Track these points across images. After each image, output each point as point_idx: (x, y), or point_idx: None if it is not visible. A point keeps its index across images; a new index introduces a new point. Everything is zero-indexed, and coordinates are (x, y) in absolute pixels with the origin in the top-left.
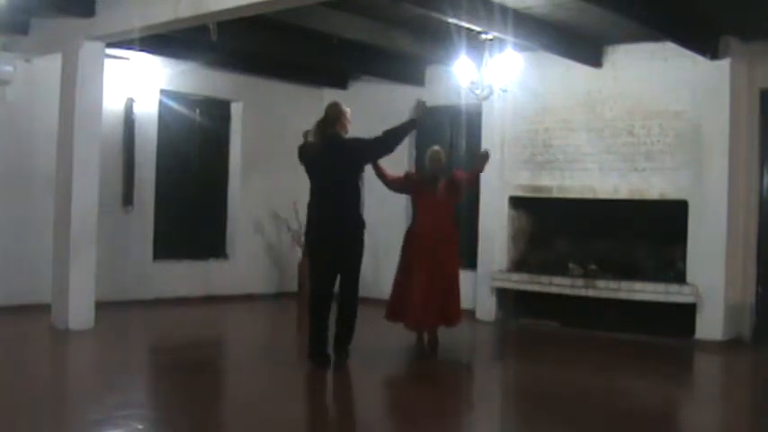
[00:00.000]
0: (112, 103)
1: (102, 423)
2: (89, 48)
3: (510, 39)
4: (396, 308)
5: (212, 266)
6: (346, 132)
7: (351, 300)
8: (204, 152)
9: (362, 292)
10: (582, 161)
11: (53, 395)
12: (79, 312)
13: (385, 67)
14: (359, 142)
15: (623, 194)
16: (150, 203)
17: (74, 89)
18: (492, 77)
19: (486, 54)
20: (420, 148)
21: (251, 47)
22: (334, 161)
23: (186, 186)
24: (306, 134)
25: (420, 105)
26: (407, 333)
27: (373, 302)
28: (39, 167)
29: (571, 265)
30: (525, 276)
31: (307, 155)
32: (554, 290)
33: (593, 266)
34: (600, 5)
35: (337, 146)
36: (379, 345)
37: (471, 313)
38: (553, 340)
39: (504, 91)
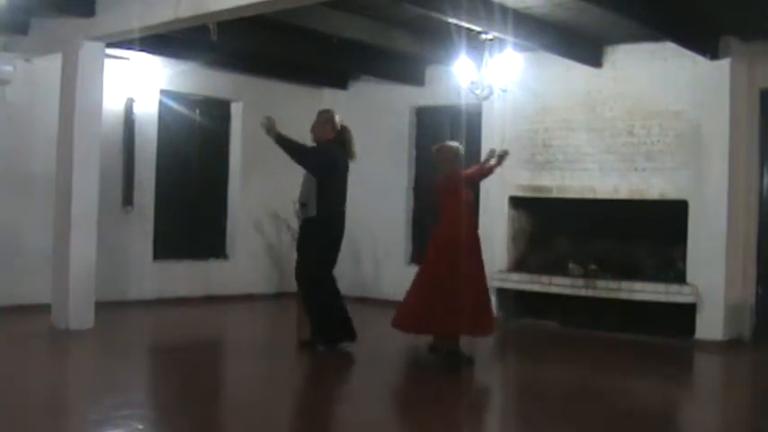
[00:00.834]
0: (112, 104)
1: (102, 423)
2: (89, 48)
3: (510, 39)
4: (421, 318)
5: (212, 266)
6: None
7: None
8: (204, 152)
9: (363, 293)
10: (582, 161)
11: (53, 395)
12: (79, 312)
13: (385, 67)
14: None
15: (623, 194)
16: (150, 203)
17: (74, 89)
18: (492, 77)
19: (486, 54)
20: (420, 148)
21: (251, 47)
22: (346, 164)
23: (186, 186)
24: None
25: (263, 122)
26: (407, 334)
27: (373, 302)
28: (39, 167)
29: (571, 266)
30: (525, 276)
31: (332, 155)
32: (554, 290)
33: (593, 266)
34: (600, 5)
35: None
36: (380, 345)
37: None
38: (553, 340)
39: (504, 91)
